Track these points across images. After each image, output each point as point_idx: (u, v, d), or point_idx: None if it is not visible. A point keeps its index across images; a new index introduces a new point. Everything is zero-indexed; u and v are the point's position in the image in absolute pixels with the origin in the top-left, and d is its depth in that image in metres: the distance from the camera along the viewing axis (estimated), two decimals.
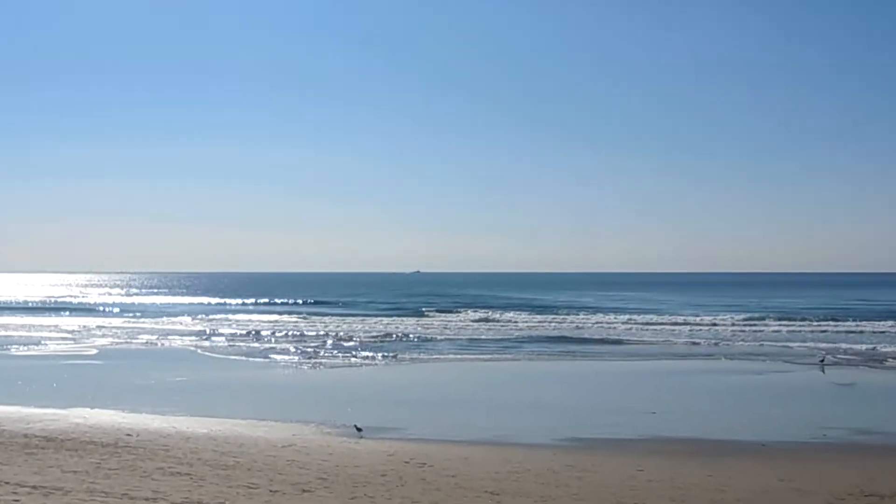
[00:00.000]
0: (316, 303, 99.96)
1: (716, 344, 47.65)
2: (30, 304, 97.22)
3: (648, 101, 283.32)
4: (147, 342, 50.01)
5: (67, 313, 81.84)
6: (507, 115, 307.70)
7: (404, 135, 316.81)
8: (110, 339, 51.63)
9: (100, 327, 61.85)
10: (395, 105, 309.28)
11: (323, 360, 39.77)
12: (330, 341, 49.27)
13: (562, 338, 51.30)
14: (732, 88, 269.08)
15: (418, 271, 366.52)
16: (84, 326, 62.83)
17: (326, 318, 70.04)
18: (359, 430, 20.79)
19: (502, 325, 63.49)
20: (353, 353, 42.94)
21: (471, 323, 65.76)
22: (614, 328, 59.80)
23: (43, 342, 48.77)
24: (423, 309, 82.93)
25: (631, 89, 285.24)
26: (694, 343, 48.31)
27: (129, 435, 19.77)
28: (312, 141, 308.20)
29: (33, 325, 64.03)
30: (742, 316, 67.96)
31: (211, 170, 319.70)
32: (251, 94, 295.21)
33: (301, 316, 73.93)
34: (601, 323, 63.66)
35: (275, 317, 71.77)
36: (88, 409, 24.22)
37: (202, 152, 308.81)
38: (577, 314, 73.39)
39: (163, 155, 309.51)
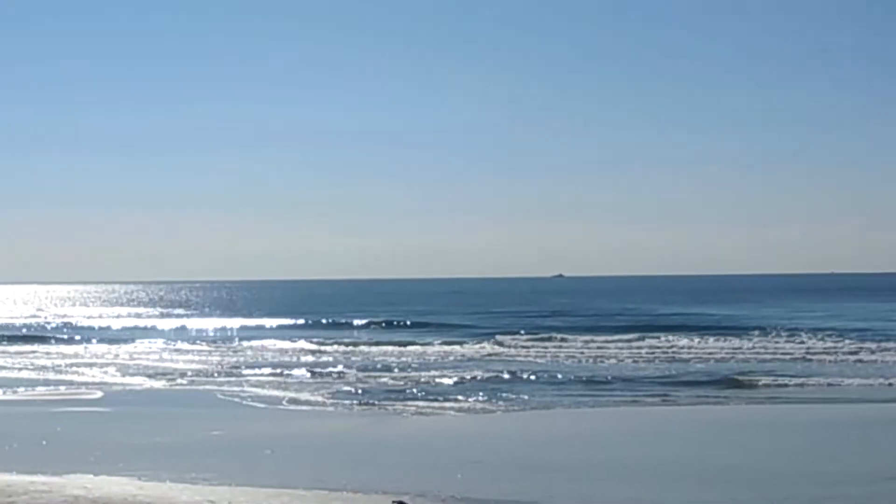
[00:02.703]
0: (399, 325, 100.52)
1: None
2: (4, 330, 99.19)
3: None
4: (168, 380, 50.72)
5: (53, 340, 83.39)
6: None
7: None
8: (117, 377, 52.20)
9: (98, 359, 62.54)
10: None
11: (409, 406, 39.91)
12: (427, 377, 49.13)
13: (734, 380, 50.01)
14: None
15: (560, 275, 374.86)
16: (77, 356, 63.66)
17: (412, 346, 70.28)
18: None
19: (665, 352, 62.91)
20: (452, 396, 42.62)
21: (626, 348, 65.39)
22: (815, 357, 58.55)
23: (27, 382, 49.41)
24: (557, 330, 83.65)
25: None
26: None
27: None
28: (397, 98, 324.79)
29: (11, 356, 65.21)
30: None
31: (250, 133, 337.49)
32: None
33: (372, 343, 74.08)
34: (811, 351, 62.22)
35: (335, 346, 72.03)
36: (92, 476, 24.14)
37: (226, 109, 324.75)
38: (766, 336, 72.46)
39: (164, 117, 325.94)
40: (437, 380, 48.47)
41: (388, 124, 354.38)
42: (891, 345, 63.60)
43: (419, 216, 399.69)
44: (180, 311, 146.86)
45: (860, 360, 56.61)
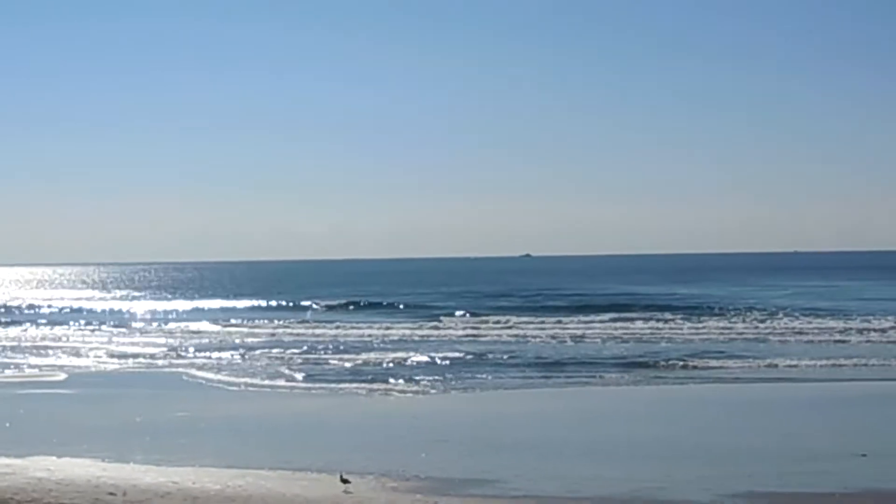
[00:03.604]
0: (369, 306, 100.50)
1: None
2: None
3: None
4: (134, 362, 50.55)
5: (19, 323, 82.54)
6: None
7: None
8: (82, 360, 52.04)
9: (63, 341, 62.25)
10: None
11: (378, 386, 39.88)
12: (389, 358, 49.05)
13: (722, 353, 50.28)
14: None
15: (528, 255, 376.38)
16: (40, 338, 63.53)
17: (379, 326, 70.22)
18: (345, 482, 20.75)
19: (643, 331, 63.29)
20: (422, 376, 42.66)
21: (599, 328, 65.51)
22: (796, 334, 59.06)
23: None
24: (521, 310, 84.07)
25: None
26: None
27: (112, 494, 19.67)
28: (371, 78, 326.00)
29: None
30: None
31: (222, 115, 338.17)
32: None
33: (337, 324, 74.01)
34: (788, 329, 62.52)
35: (298, 328, 71.93)
36: (55, 459, 24.15)
37: (202, 90, 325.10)
38: (741, 315, 72.95)
39: (144, 99, 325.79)
40: (400, 361, 48.30)
41: (352, 103, 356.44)
42: (849, 324, 64.06)
43: (384, 195, 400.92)
44: (143, 293, 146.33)
45: (817, 341, 57.05)
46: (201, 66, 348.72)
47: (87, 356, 53.90)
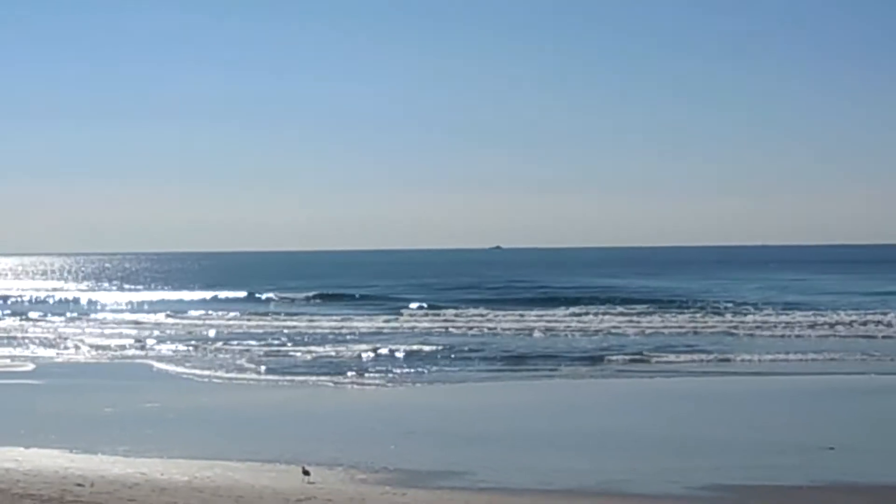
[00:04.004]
0: (337, 297, 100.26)
1: None
2: None
3: None
4: (102, 353, 50.46)
5: None
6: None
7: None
8: (50, 350, 51.80)
9: (31, 331, 61.96)
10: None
11: (345, 379, 39.86)
12: (357, 351, 48.98)
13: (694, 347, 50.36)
14: None
15: (498, 247, 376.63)
16: (9, 329, 63.20)
17: (347, 318, 70.19)
18: (306, 473, 20.80)
19: (609, 324, 63.30)
20: (389, 369, 42.67)
21: (566, 321, 65.52)
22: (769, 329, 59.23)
23: None
24: (489, 302, 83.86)
25: None
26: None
27: (80, 485, 19.61)
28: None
29: None
30: None
31: (197, 107, 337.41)
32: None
33: (304, 316, 73.90)
34: (761, 325, 62.63)
35: (266, 320, 71.78)
36: (22, 450, 24.12)
37: (181, 84, 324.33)
38: (718, 309, 73.22)
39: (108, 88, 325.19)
40: (367, 353, 48.25)
41: (321, 94, 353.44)
42: (816, 318, 64.28)
43: (354, 187, 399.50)
44: (112, 283, 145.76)
45: (782, 335, 57.36)
46: (184, 59, 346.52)
47: (55, 347, 53.68)
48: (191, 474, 21.12)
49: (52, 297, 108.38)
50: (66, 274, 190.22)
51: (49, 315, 79.48)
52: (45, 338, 59.14)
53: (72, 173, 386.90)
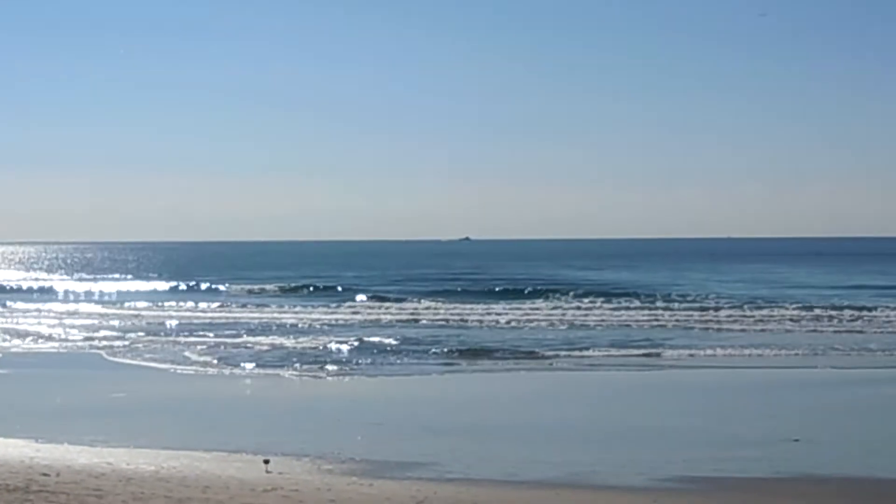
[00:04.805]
0: (303, 288, 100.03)
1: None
2: None
3: None
4: (66, 343, 50.22)
5: None
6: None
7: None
8: (12, 340, 51.47)
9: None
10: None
11: (311, 370, 39.72)
12: (322, 342, 48.90)
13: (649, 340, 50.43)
14: None
15: (468, 238, 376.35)
16: None
17: (317, 309, 70.00)
18: (266, 462, 20.97)
19: (575, 316, 63.51)
20: (355, 360, 42.66)
21: (532, 313, 65.58)
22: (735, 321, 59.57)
23: None
24: (456, 294, 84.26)
25: None
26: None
27: (45, 475, 19.43)
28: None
29: None
30: None
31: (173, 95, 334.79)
32: None
33: (272, 307, 73.78)
34: (728, 316, 62.88)
35: (233, 310, 71.70)
36: None
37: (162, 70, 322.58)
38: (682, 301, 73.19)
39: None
40: (331, 345, 48.09)
41: (292, 82, 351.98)
42: (782, 312, 64.59)
43: (324, 178, 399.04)
44: (76, 273, 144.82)
45: (744, 330, 57.66)
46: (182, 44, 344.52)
47: (17, 337, 53.46)
48: (157, 464, 21.05)
49: (15, 286, 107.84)
50: (27, 263, 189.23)
51: (11, 304, 79.12)
52: (6, 327, 58.93)
53: (35, 163, 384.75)
